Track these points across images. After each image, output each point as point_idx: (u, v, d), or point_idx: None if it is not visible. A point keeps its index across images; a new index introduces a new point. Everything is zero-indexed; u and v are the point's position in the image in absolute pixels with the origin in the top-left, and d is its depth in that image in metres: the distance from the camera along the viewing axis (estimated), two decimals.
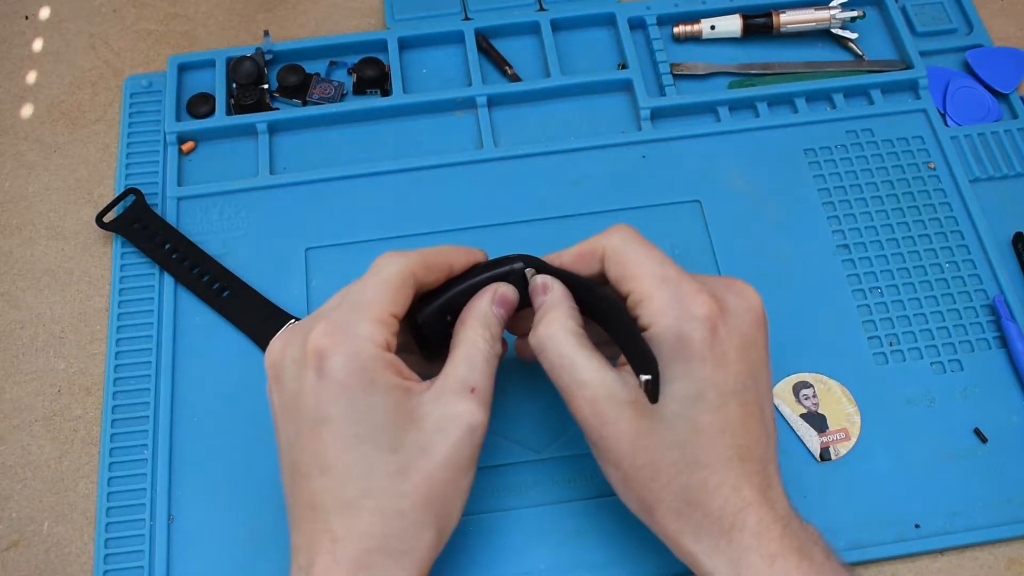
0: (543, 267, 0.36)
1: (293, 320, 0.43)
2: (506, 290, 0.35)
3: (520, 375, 0.42)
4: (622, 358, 0.34)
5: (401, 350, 0.35)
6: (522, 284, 0.36)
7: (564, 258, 0.36)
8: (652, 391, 0.30)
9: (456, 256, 0.36)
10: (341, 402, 0.31)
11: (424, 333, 0.36)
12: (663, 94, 0.50)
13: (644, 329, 0.32)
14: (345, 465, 0.31)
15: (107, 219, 0.47)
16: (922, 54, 0.52)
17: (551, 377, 0.34)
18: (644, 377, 0.30)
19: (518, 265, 0.36)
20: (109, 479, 0.41)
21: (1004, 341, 0.44)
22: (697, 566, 0.32)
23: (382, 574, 0.30)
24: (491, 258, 0.37)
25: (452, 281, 0.36)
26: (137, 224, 0.46)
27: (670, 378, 0.31)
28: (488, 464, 0.41)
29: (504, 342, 0.36)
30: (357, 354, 0.31)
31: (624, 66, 0.51)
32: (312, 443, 0.31)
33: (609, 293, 0.34)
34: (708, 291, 0.32)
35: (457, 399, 0.32)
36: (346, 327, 0.31)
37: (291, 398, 0.32)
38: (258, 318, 0.44)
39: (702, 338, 0.31)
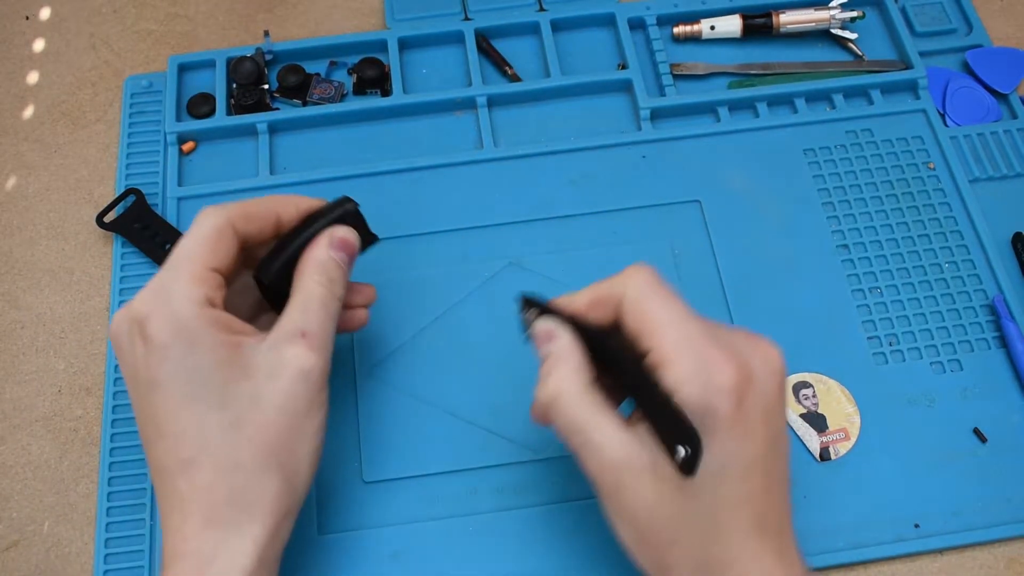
0: (547, 309, 0.33)
1: None
2: (343, 233, 0.36)
3: (519, 375, 0.42)
4: (635, 414, 0.32)
5: (255, 310, 0.37)
6: (358, 223, 0.37)
7: (577, 304, 0.33)
8: (689, 465, 0.28)
9: (283, 205, 0.36)
10: (165, 365, 0.31)
11: (273, 292, 0.36)
12: (663, 94, 0.50)
13: (680, 392, 0.29)
14: (179, 426, 0.31)
15: (107, 219, 0.47)
16: (922, 54, 0.52)
17: (562, 437, 0.32)
18: (680, 451, 0.28)
19: (350, 205, 0.37)
20: (109, 479, 0.41)
21: (1004, 341, 0.44)
22: None
23: (232, 526, 0.31)
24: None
25: (289, 235, 0.36)
26: (137, 224, 0.46)
27: (709, 447, 0.29)
28: (487, 464, 0.41)
29: (346, 285, 0.36)
30: (175, 315, 0.31)
31: (624, 66, 0.51)
32: (148, 409, 0.32)
33: (627, 351, 0.31)
34: (735, 358, 0.30)
35: (288, 344, 0.32)
36: (163, 290, 0.32)
37: (128, 368, 0.33)
38: None
39: (728, 410, 0.29)
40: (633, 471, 0.30)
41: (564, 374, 0.31)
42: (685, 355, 0.30)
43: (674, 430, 0.29)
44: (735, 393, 0.29)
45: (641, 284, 0.32)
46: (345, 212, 0.36)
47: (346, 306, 0.38)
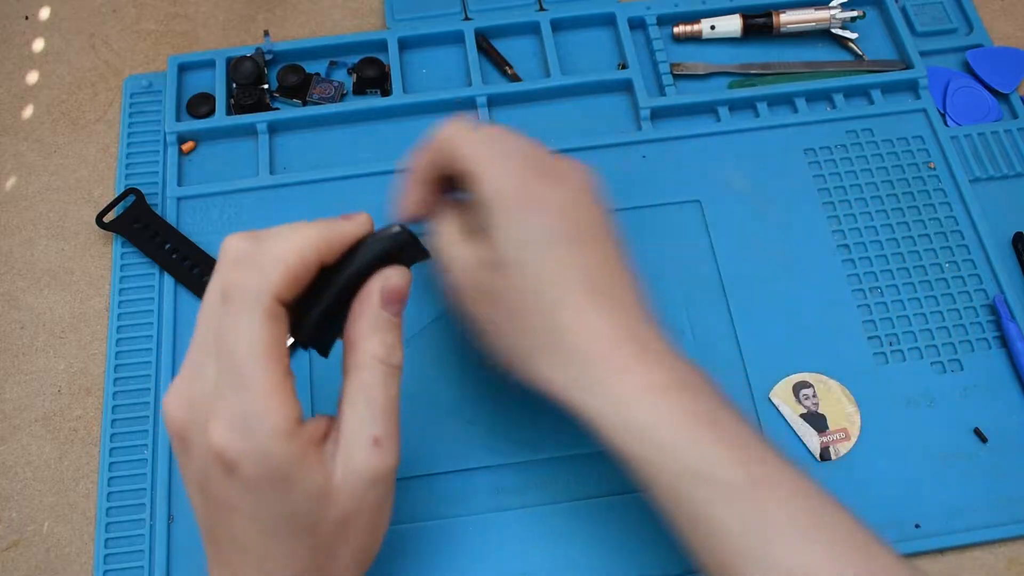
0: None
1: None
2: (395, 280, 0.31)
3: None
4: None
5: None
6: (412, 248, 0.32)
7: (421, 161, 0.36)
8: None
9: (326, 246, 0.30)
10: (252, 500, 0.29)
11: (314, 347, 0.32)
12: (663, 94, 0.50)
13: (477, 184, 0.33)
14: (264, 549, 0.30)
15: (107, 219, 0.47)
16: (922, 54, 0.52)
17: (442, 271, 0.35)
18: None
19: (396, 230, 0.31)
20: (109, 479, 0.41)
21: (1004, 341, 0.44)
22: (576, 411, 0.32)
23: None
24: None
25: (326, 275, 0.31)
26: (137, 224, 0.46)
27: (507, 225, 0.33)
28: (487, 464, 0.41)
29: (398, 347, 0.31)
30: (267, 459, 0.28)
31: (624, 66, 0.51)
32: (226, 523, 0.30)
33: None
34: (542, 156, 0.35)
35: (365, 458, 0.30)
36: (246, 426, 0.28)
37: (201, 478, 0.30)
38: None
39: (513, 190, 0.33)
40: (471, 267, 0.34)
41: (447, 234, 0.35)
42: (496, 158, 0.34)
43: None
44: (519, 177, 0.33)
45: (454, 127, 0.35)
46: (394, 240, 0.31)
47: None
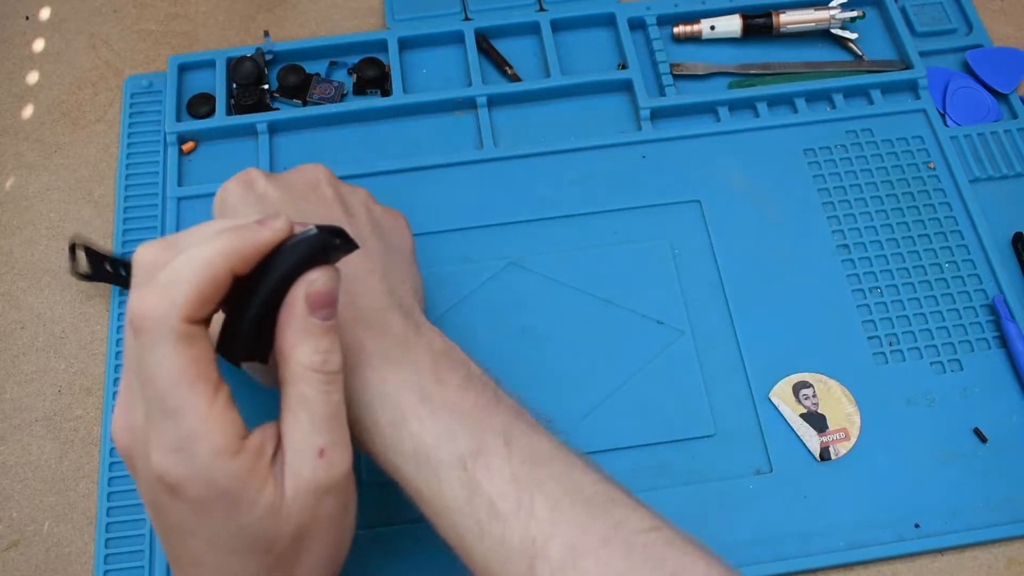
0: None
1: None
2: (320, 283, 0.29)
3: (519, 375, 0.42)
4: None
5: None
6: (335, 245, 0.29)
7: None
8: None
9: (236, 259, 0.28)
10: (202, 522, 0.28)
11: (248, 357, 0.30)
12: (663, 94, 0.50)
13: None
14: (221, 566, 0.29)
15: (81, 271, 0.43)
16: (922, 54, 0.52)
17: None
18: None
19: (313, 231, 0.28)
20: (110, 479, 0.41)
21: (1004, 341, 0.44)
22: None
23: None
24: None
25: (249, 285, 0.29)
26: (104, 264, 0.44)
27: None
28: None
29: (336, 352, 0.30)
30: (209, 479, 0.27)
31: (624, 66, 0.51)
32: (180, 543, 0.29)
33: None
34: None
35: (311, 469, 0.28)
36: (184, 452, 0.27)
37: (150, 498, 0.29)
38: None
39: None
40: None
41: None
42: None
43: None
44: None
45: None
46: (308, 245, 0.28)
47: None
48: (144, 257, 0.29)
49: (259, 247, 0.28)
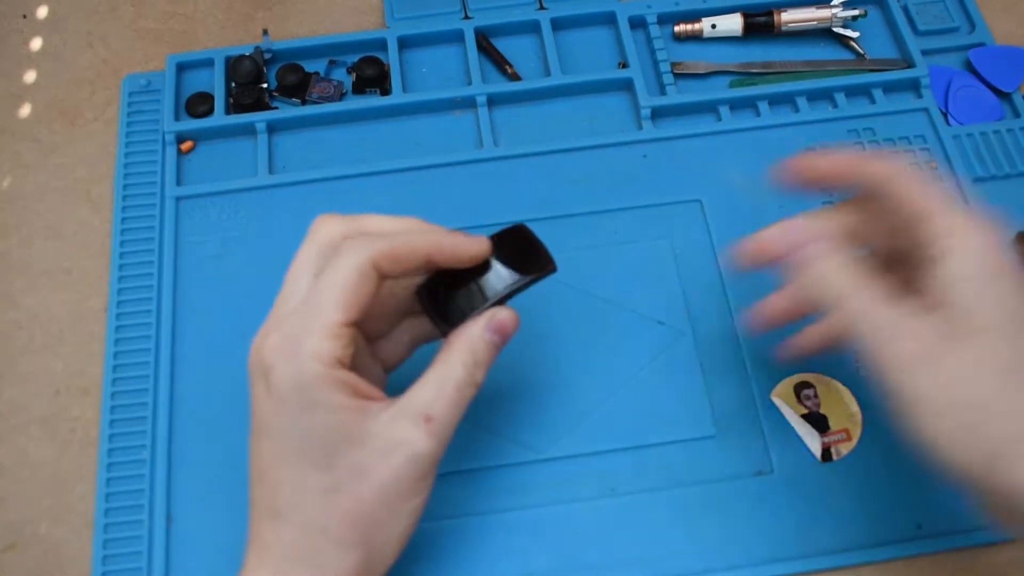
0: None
1: None
2: (505, 317, 0.34)
3: (518, 375, 0.42)
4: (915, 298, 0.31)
5: (392, 318, 0.36)
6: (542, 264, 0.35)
7: (835, 160, 0.34)
8: None
9: (436, 247, 0.33)
10: (281, 418, 0.31)
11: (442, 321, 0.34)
12: (664, 93, 0.50)
13: (948, 252, 0.30)
14: (278, 477, 0.31)
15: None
16: (924, 53, 0.51)
17: (858, 322, 0.30)
18: None
19: (550, 268, 0.35)
20: (107, 480, 0.41)
21: None
22: None
23: None
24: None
25: (472, 278, 0.34)
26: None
27: (991, 287, 0.30)
28: (488, 465, 0.41)
29: (484, 369, 0.33)
30: (299, 373, 0.30)
31: (625, 65, 0.51)
32: (257, 450, 0.32)
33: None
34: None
35: (409, 424, 0.31)
36: (294, 343, 0.31)
37: (252, 402, 0.32)
38: None
39: (1005, 262, 0.31)
40: (943, 336, 0.29)
41: (849, 260, 0.32)
42: (960, 220, 0.31)
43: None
44: (995, 244, 0.31)
45: (900, 166, 0.33)
46: (535, 281, 0.34)
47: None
48: (343, 217, 0.34)
49: (459, 250, 0.33)
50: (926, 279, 0.31)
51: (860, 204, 0.34)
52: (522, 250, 0.35)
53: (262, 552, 0.32)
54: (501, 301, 0.34)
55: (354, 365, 0.32)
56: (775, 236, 0.34)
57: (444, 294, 0.34)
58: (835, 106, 0.50)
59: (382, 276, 0.32)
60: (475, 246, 0.34)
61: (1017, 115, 0.50)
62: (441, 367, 0.33)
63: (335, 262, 0.31)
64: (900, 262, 0.33)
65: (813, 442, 0.41)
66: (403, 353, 0.37)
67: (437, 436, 0.31)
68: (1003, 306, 0.29)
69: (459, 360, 0.32)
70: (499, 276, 0.34)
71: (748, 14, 0.52)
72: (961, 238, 0.30)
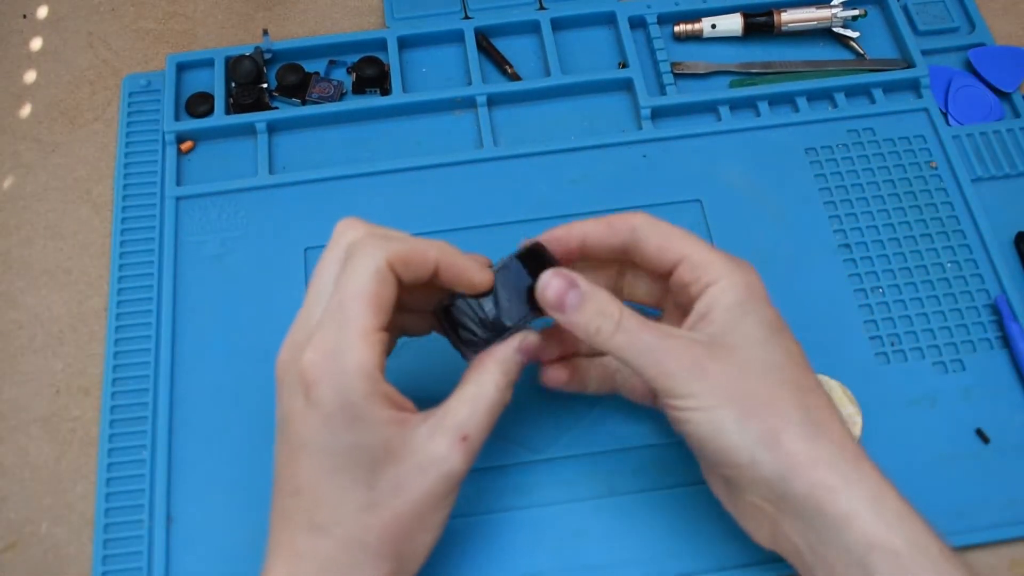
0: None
1: None
2: (534, 340, 0.35)
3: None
4: (682, 327, 0.34)
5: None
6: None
7: (588, 227, 0.36)
8: None
9: (443, 256, 0.33)
10: (323, 433, 0.31)
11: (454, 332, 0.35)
12: (664, 93, 0.50)
13: (712, 284, 0.34)
14: (318, 491, 0.31)
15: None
16: (924, 53, 0.51)
17: (628, 348, 0.33)
18: None
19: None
20: (108, 480, 0.41)
21: (1006, 341, 0.43)
22: (830, 504, 0.31)
23: None
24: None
25: (492, 298, 0.35)
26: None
27: (752, 312, 0.33)
28: (489, 465, 0.41)
29: (511, 388, 0.35)
30: (346, 387, 0.30)
31: (624, 65, 0.51)
32: (292, 463, 0.32)
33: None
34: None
35: (447, 443, 0.32)
36: (336, 357, 0.30)
37: (285, 413, 0.32)
38: None
39: (761, 286, 0.35)
40: (709, 349, 0.33)
41: (610, 296, 0.34)
42: (714, 253, 0.35)
43: None
44: (758, 277, 0.35)
45: (648, 216, 0.36)
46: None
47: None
48: (361, 223, 0.34)
49: (460, 266, 0.34)
50: (688, 306, 0.35)
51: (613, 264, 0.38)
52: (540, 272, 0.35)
53: (294, 562, 0.32)
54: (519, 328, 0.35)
55: None
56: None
57: (460, 317, 0.35)
58: (835, 106, 0.50)
59: (397, 279, 0.32)
60: (478, 277, 0.34)
61: (1017, 115, 0.50)
62: (475, 387, 0.33)
63: (352, 264, 0.32)
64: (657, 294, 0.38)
65: None
66: (392, 346, 0.37)
67: (470, 455, 0.32)
68: (757, 324, 0.33)
69: (492, 381, 0.33)
70: (517, 304, 0.35)
71: (748, 14, 0.52)
72: (719, 274, 0.34)
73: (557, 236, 0.36)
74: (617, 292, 0.39)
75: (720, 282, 0.34)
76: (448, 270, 0.33)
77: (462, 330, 0.35)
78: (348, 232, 0.33)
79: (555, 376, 0.38)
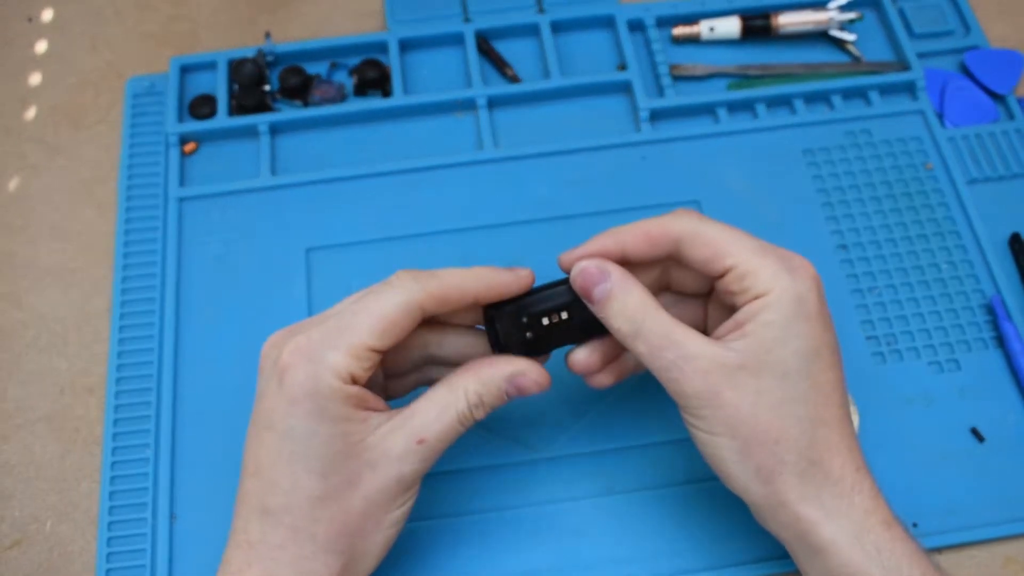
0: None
1: None
2: (527, 382, 0.34)
3: None
4: (718, 331, 0.33)
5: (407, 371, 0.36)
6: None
7: (626, 236, 0.34)
8: None
9: (484, 288, 0.34)
10: (287, 417, 0.31)
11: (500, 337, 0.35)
12: (662, 95, 0.51)
13: (759, 296, 0.32)
14: (274, 475, 0.32)
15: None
16: (919, 56, 0.52)
17: (648, 359, 0.32)
18: None
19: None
20: (111, 478, 0.41)
21: (1001, 341, 0.44)
22: (813, 535, 0.32)
23: None
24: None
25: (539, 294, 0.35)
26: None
27: (792, 336, 0.32)
28: (488, 464, 0.41)
29: (487, 411, 0.34)
30: (315, 380, 0.31)
31: (623, 67, 0.52)
32: (256, 443, 0.32)
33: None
34: (802, 260, 0.33)
35: (402, 442, 0.32)
36: (317, 351, 0.31)
37: (258, 396, 0.33)
38: None
39: (816, 299, 0.32)
40: (729, 372, 0.31)
41: (639, 298, 0.33)
42: (766, 260, 0.32)
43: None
44: (816, 282, 0.33)
45: (695, 218, 0.34)
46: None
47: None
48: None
49: (504, 287, 0.34)
50: (733, 309, 0.33)
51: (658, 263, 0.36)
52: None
53: (247, 551, 0.32)
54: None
55: (365, 384, 0.33)
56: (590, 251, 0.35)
57: (502, 319, 0.35)
58: (832, 108, 0.51)
59: (426, 316, 0.33)
60: (515, 283, 0.34)
61: (1011, 117, 0.51)
62: (448, 394, 0.33)
63: (383, 290, 0.32)
64: (698, 297, 0.37)
65: None
66: (407, 391, 0.38)
67: (425, 458, 0.32)
68: (792, 353, 0.32)
69: (464, 395, 0.33)
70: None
71: (746, 17, 0.52)
72: (767, 286, 0.32)
73: (596, 252, 0.35)
74: (664, 285, 0.37)
75: (766, 296, 0.32)
76: (488, 295, 0.34)
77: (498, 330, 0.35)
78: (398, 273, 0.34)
79: (599, 381, 0.37)
